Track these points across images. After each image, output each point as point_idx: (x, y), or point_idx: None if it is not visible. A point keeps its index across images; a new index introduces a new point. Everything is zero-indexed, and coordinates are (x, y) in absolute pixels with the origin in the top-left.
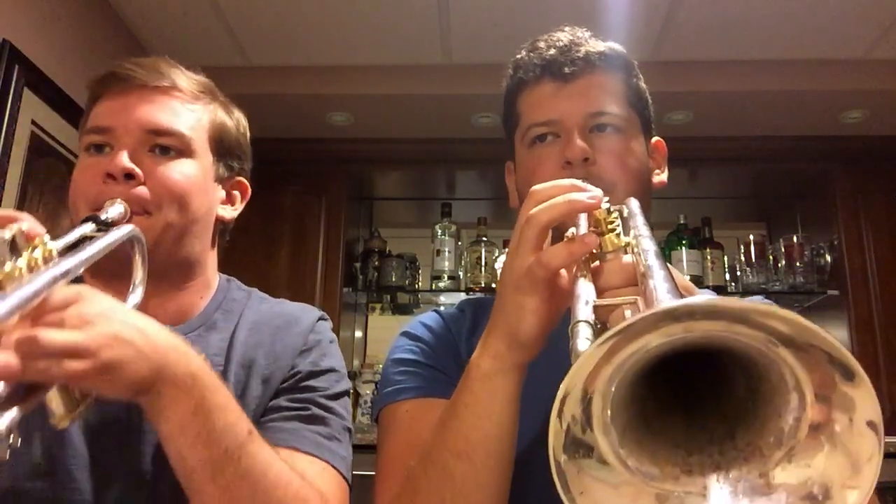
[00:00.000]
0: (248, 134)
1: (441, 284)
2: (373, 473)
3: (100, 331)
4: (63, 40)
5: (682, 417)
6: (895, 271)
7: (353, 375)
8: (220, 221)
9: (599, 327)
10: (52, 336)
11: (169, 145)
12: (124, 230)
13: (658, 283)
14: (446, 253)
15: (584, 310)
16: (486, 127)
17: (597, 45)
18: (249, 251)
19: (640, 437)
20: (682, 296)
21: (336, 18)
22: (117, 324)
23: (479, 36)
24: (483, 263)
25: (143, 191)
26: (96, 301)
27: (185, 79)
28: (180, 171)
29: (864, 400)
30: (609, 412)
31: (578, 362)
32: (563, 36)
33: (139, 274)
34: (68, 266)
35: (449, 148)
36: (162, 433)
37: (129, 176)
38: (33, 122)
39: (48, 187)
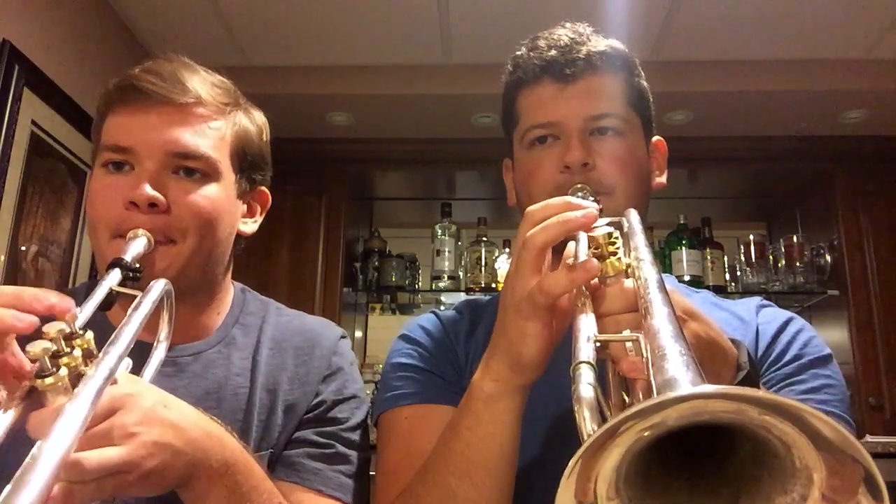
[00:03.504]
0: (269, 138)
1: (441, 284)
2: (372, 473)
3: (142, 440)
4: (63, 40)
5: (686, 482)
6: (895, 271)
7: None
8: (240, 236)
9: (600, 346)
10: (97, 460)
11: (194, 168)
12: (156, 292)
13: (661, 324)
14: (446, 253)
15: (585, 347)
16: (486, 127)
17: (598, 45)
18: (249, 251)
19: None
20: (685, 339)
21: (336, 18)
22: (157, 429)
23: (479, 36)
24: (483, 263)
25: (167, 220)
26: (138, 405)
27: (208, 88)
28: (206, 197)
29: None
30: (615, 494)
31: (561, 488)
32: (564, 34)
33: (164, 330)
34: (109, 369)
35: (449, 148)
36: None
37: (153, 204)
38: (33, 122)
39: (48, 187)
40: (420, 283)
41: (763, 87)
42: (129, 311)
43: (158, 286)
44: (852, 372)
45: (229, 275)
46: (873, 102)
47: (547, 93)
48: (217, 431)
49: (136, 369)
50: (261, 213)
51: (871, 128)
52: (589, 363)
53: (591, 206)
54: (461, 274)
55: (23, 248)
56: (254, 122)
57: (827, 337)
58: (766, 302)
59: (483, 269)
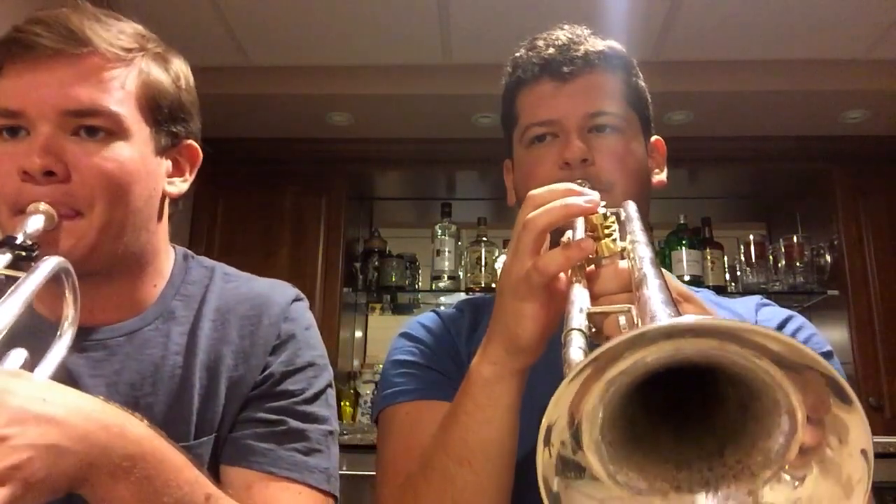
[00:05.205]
0: (193, 86)
1: (441, 284)
2: (372, 473)
3: (15, 444)
4: None
5: (672, 432)
6: (895, 271)
7: (353, 375)
8: (167, 197)
9: (594, 331)
10: None
11: (96, 126)
12: (45, 269)
13: (652, 292)
14: (446, 253)
15: (577, 317)
16: (486, 127)
17: (596, 44)
18: (249, 251)
19: (629, 452)
20: (676, 306)
21: (336, 18)
22: (31, 428)
23: (479, 36)
24: (483, 263)
25: (69, 188)
26: (5, 403)
27: (106, 35)
28: (113, 158)
29: (857, 426)
30: (599, 430)
31: (559, 390)
32: (562, 34)
33: (70, 312)
34: None
35: (449, 148)
36: None
37: (50, 173)
38: None
39: None
40: (420, 283)
41: (763, 87)
42: (8, 293)
43: (48, 264)
44: (852, 372)
45: (165, 241)
46: (873, 102)
47: (545, 91)
48: (117, 422)
49: (43, 354)
50: (191, 172)
51: (871, 128)
52: (580, 330)
53: (594, 194)
54: (461, 274)
55: None
56: (167, 68)
57: (827, 337)
58: (766, 301)
59: (483, 269)
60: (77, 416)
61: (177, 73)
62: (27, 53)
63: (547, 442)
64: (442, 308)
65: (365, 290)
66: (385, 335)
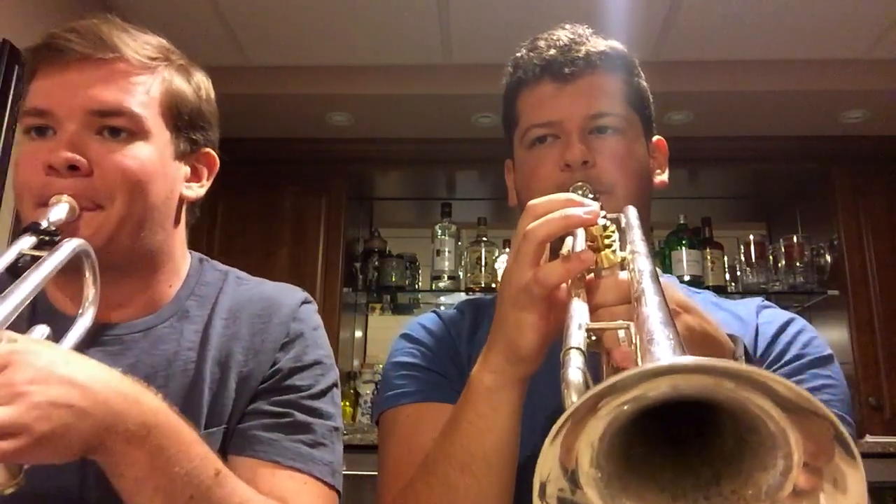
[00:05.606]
0: (213, 97)
1: (441, 284)
2: (373, 473)
3: (33, 400)
4: None
5: (669, 460)
6: (895, 271)
7: (353, 375)
8: (184, 201)
9: (594, 340)
10: None
11: (119, 126)
12: (67, 249)
13: (651, 310)
14: (446, 253)
15: (576, 335)
16: (486, 127)
17: (597, 45)
18: (249, 251)
19: (626, 482)
20: (675, 325)
21: (336, 18)
22: (54, 387)
23: (479, 36)
24: (483, 263)
25: (91, 182)
26: (29, 362)
27: (132, 43)
28: (133, 157)
29: (856, 482)
30: (595, 464)
31: (542, 453)
32: (564, 34)
33: (90, 292)
34: None
35: (449, 148)
36: (119, 490)
37: (74, 167)
38: None
39: None
40: (420, 283)
41: (763, 87)
42: (31, 268)
43: (70, 244)
44: (852, 372)
45: (181, 244)
46: (873, 102)
47: (547, 92)
48: (134, 392)
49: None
50: (208, 178)
51: (871, 128)
52: (578, 349)
53: (594, 204)
54: (461, 274)
55: None
56: (190, 80)
57: (827, 337)
58: (767, 303)
59: (483, 269)
60: (97, 382)
61: (198, 84)
62: (59, 57)
63: (542, 496)
64: (442, 309)
65: (365, 290)
66: (385, 335)
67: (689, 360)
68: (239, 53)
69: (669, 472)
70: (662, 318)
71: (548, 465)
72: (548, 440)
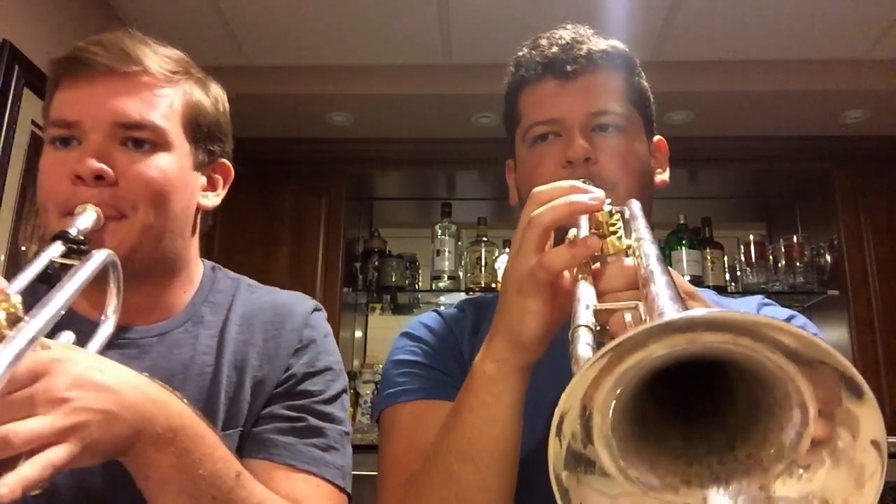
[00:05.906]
0: (228, 110)
1: (441, 284)
2: (373, 473)
3: (74, 406)
4: (63, 40)
5: (683, 426)
6: (895, 271)
7: (353, 375)
8: (200, 210)
9: (599, 329)
10: (23, 432)
11: (143, 138)
12: (97, 260)
13: (660, 289)
14: (446, 253)
15: (584, 314)
16: (486, 127)
17: (599, 43)
18: (249, 251)
19: (639, 446)
20: (684, 302)
21: (336, 18)
22: (91, 393)
23: (479, 36)
24: (483, 263)
25: (116, 192)
26: (67, 369)
27: (155, 57)
28: (156, 167)
29: (869, 418)
30: (609, 424)
31: (574, 380)
32: (566, 33)
33: (113, 302)
34: (33, 332)
35: (449, 148)
36: (144, 491)
37: (100, 177)
38: (33, 123)
39: None
40: (420, 283)
41: (763, 87)
42: (65, 278)
43: (100, 255)
44: None
45: (196, 252)
46: (873, 102)
47: (548, 90)
48: (161, 396)
49: (83, 346)
50: (223, 187)
51: (871, 128)
52: (587, 326)
53: (598, 191)
54: (461, 274)
55: (23, 248)
56: (208, 93)
57: (827, 337)
58: (767, 301)
59: (483, 269)
60: (127, 386)
61: (216, 96)
62: (84, 69)
63: (559, 432)
64: (443, 308)
65: (365, 290)
66: (385, 335)
67: (705, 311)
68: (239, 53)
69: (683, 438)
70: (671, 295)
71: (571, 400)
72: (580, 373)
